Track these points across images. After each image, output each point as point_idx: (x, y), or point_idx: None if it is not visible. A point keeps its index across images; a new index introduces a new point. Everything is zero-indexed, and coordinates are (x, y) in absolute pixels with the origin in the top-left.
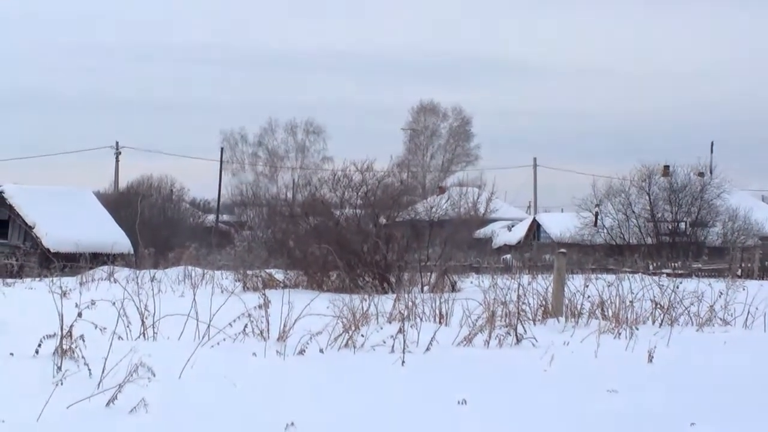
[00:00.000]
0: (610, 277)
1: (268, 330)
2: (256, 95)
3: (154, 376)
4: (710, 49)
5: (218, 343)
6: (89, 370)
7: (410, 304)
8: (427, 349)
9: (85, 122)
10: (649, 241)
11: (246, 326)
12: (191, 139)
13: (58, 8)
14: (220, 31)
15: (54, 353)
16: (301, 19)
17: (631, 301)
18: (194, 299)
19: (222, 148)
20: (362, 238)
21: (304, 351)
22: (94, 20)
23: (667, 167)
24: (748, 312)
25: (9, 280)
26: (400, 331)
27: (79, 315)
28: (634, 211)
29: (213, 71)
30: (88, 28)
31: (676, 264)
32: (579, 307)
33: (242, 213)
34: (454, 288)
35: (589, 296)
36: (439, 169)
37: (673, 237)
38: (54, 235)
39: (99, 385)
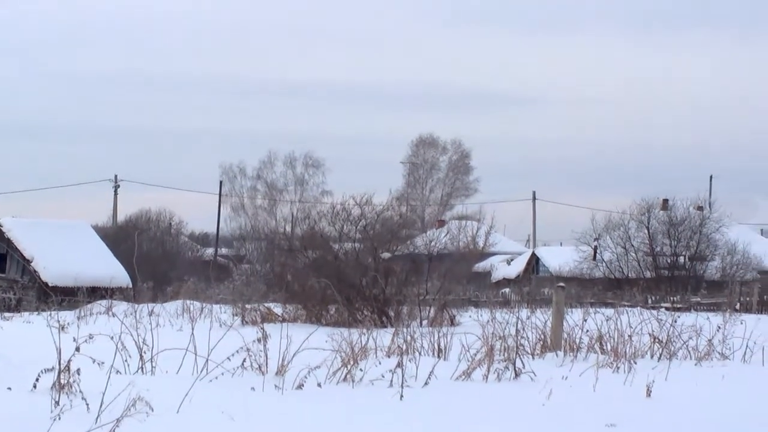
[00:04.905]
0: (609, 311)
1: (266, 364)
2: (255, 125)
3: (153, 410)
4: (710, 82)
5: (216, 378)
6: (87, 404)
7: (409, 338)
8: (426, 383)
9: (83, 154)
10: (648, 275)
11: (244, 360)
12: (190, 172)
13: (52, 37)
14: (217, 61)
15: (52, 387)
16: (299, 49)
17: (630, 335)
18: (192, 333)
19: (221, 182)
20: (361, 272)
21: (303, 385)
22: (91, 50)
23: (666, 201)
24: (747, 346)
25: (7, 314)
26: (399, 365)
27: (77, 349)
28: (633, 245)
29: (210, 101)
30: (83, 58)
31: (674, 298)
32: (578, 341)
33: (241, 246)
34: (452, 322)
35: (587, 330)
36: (438, 202)
37: (672, 271)
38: (52, 268)
39: (97, 419)
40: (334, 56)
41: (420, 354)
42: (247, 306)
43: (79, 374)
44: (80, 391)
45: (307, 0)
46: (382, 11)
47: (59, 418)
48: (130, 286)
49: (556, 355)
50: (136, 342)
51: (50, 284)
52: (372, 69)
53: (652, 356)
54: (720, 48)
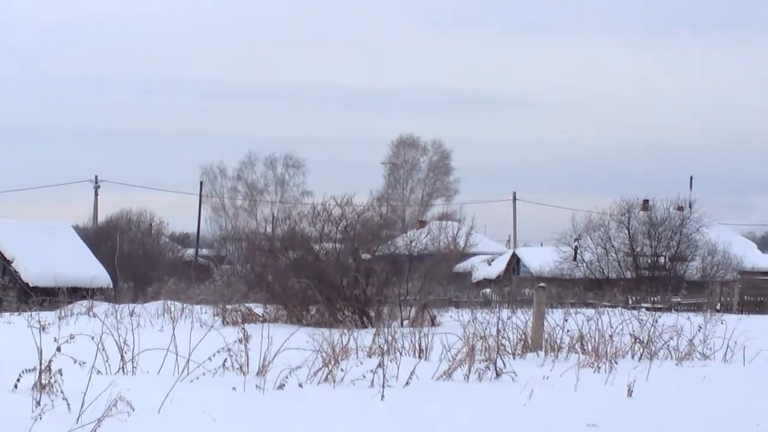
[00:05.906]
0: (590, 312)
1: (247, 364)
2: (235, 126)
3: (134, 410)
4: (700, 85)
5: (198, 378)
6: (68, 404)
7: (390, 338)
8: (407, 383)
9: (64, 155)
10: (628, 275)
11: (225, 361)
12: (171, 173)
13: (37, 38)
14: (200, 63)
15: (33, 388)
16: (293, 51)
17: (611, 335)
18: (173, 333)
19: (201, 182)
20: (342, 272)
21: (284, 385)
22: (76, 51)
23: (646, 201)
24: (727, 346)
25: None
26: (380, 365)
27: (58, 349)
28: (613, 246)
29: (193, 103)
30: (66, 59)
31: (655, 298)
32: (558, 341)
33: (222, 247)
34: (433, 322)
35: (568, 330)
36: (418, 203)
37: (652, 271)
38: (33, 269)
39: (78, 419)
40: (328, 58)
41: (401, 354)
42: (228, 306)
43: (60, 374)
44: (61, 391)
45: (305, 1)
46: (380, 12)
47: (40, 418)
48: (111, 286)
49: (537, 355)
50: (117, 342)
51: (31, 285)
52: (364, 71)
53: (633, 356)
54: (710, 51)
